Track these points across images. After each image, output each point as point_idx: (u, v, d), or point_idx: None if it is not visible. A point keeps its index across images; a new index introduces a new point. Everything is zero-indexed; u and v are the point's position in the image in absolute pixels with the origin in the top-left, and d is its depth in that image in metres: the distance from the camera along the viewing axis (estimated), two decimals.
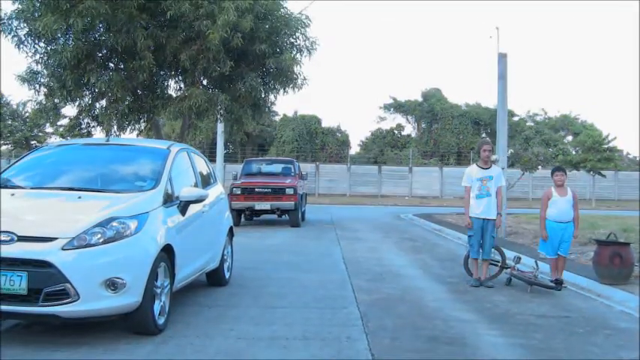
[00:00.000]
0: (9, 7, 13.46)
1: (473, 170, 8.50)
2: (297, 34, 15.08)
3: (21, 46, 13.30)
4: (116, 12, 12.26)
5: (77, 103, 14.54)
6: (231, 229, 8.20)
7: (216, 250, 7.45)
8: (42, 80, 14.03)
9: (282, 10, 14.81)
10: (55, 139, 35.67)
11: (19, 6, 13.10)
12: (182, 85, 14.95)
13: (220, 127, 23.71)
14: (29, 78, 13.89)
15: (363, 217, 21.80)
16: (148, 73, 13.18)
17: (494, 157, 18.72)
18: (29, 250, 4.71)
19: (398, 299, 7.29)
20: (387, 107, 50.69)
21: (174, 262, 5.69)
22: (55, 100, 14.15)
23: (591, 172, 35.90)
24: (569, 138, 49.84)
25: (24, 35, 13.19)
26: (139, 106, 14.40)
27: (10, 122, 38.65)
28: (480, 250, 8.33)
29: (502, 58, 15.73)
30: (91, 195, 5.59)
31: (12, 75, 15.34)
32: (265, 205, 16.51)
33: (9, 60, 44.41)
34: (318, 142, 46.68)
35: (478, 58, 74.60)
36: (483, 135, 48.88)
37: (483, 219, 8.27)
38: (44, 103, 14.31)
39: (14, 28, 13.11)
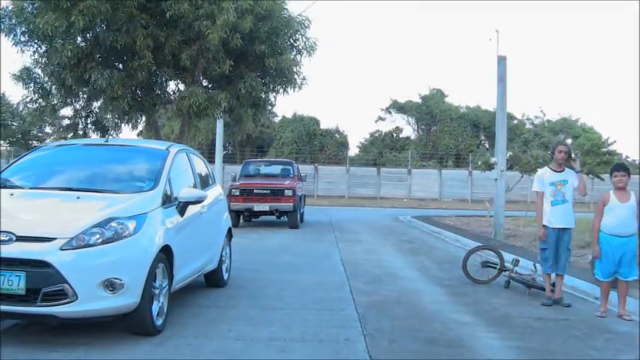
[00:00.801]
0: (8, 4, 13.45)
1: (546, 173, 7.53)
2: (296, 36, 15.10)
3: (19, 44, 13.31)
4: (116, 11, 12.26)
5: (76, 103, 14.55)
6: (229, 230, 8.20)
7: (215, 251, 7.44)
8: (39, 80, 14.04)
9: (282, 11, 14.81)
10: (53, 139, 35.66)
11: (18, 2, 13.08)
12: (181, 85, 14.96)
13: (220, 128, 23.73)
14: (25, 77, 13.89)
15: (362, 219, 21.79)
16: (147, 72, 13.18)
17: (492, 160, 18.64)
18: (28, 250, 4.69)
19: (396, 301, 7.29)
20: (386, 109, 50.76)
21: (172, 262, 5.68)
22: (53, 102, 14.15)
23: (590, 175, 35.95)
24: (569, 141, 49.92)
25: (21, 33, 13.19)
26: (138, 105, 14.40)
27: (9, 122, 38.66)
28: (554, 265, 7.34)
29: (502, 60, 15.75)
30: (89, 195, 5.58)
31: (8, 74, 15.32)
32: (264, 207, 16.50)
33: (6, 58, 44.39)
34: (317, 143, 46.69)
35: (478, 61, 74.63)
36: (482, 138, 48.97)
37: (560, 229, 7.30)
38: (42, 103, 14.30)
39: (13, 26, 13.12)
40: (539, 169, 8.19)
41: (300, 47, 15.27)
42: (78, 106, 14.64)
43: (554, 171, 7.49)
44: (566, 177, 7.42)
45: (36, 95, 14.14)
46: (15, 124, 39.10)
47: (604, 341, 5.75)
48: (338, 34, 78.66)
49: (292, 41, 15.26)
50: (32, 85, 13.99)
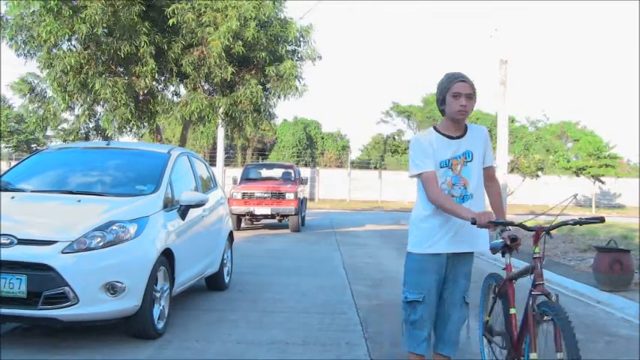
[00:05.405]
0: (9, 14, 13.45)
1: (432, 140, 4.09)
2: (298, 40, 15.08)
3: (20, 50, 13.31)
4: (118, 19, 12.26)
5: (78, 109, 14.55)
6: (231, 233, 8.20)
7: (216, 254, 7.45)
8: (39, 90, 14.06)
9: (282, 15, 14.80)
10: (55, 143, 35.70)
11: (19, 10, 13.08)
12: (184, 91, 14.96)
13: (221, 132, 23.76)
14: (24, 89, 13.91)
15: (363, 222, 21.77)
16: (150, 79, 13.17)
17: (494, 163, 18.77)
18: (29, 254, 4.70)
19: (397, 305, 7.24)
20: (388, 112, 50.84)
21: (173, 266, 5.69)
22: (54, 106, 14.14)
23: (592, 179, 35.94)
24: (570, 144, 49.92)
25: (22, 42, 13.19)
26: (140, 112, 14.39)
27: (12, 124, 38.73)
28: None
29: (503, 64, 15.77)
30: (91, 198, 5.59)
31: (10, 81, 15.27)
32: (265, 210, 16.52)
33: (8, 63, 44.52)
34: (318, 146, 46.75)
35: (479, 64, 74.61)
36: None
37: (450, 254, 4.20)
38: (42, 111, 14.26)
39: (14, 33, 13.12)
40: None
41: (301, 54, 15.25)
42: (80, 112, 14.62)
43: (447, 136, 3.89)
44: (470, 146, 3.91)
45: (37, 104, 14.15)
46: (17, 126, 39.18)
47: (604, 344, 5.73)
48: (339, 37, 78.81)
49: (295, 46, 15.24)
50: (32, 95, 14.02)
